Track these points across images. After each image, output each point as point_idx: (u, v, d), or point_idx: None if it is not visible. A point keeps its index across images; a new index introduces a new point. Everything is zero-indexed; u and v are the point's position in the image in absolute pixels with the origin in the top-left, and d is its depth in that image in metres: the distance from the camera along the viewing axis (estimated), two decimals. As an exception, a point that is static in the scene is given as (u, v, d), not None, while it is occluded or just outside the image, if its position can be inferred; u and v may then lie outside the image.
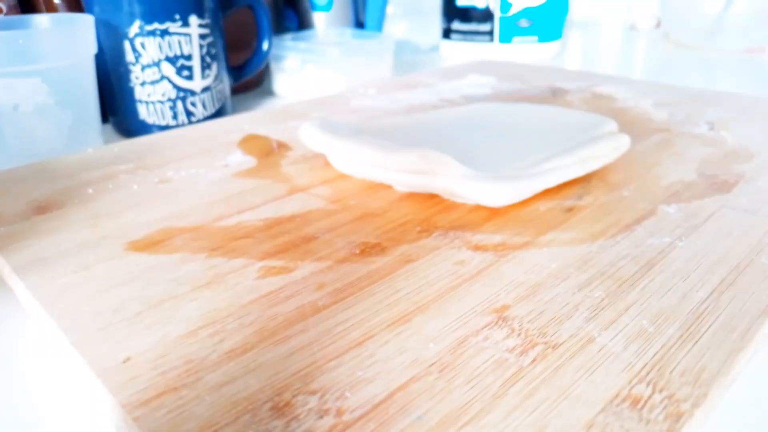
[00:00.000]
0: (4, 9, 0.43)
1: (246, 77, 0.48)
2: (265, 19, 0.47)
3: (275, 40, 0.53)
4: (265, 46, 0.47)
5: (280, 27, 0.68)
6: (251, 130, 0.37)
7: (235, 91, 0.53)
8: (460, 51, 0.70)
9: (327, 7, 0.63)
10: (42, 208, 0.26)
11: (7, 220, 0.25)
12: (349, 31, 0.59)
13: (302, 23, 0.65)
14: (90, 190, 0.28)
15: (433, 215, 0.25)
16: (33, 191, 0.28)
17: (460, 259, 0.22)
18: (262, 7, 0.46)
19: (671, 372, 0.16)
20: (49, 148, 0.35)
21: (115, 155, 0.33)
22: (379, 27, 0.60)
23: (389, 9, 0.70)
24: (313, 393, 0.16)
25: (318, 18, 0.64)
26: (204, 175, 0.30)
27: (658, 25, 0.80)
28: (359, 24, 0.66)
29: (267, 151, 0.33)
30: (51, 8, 0.44)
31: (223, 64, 0.44)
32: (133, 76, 0.40)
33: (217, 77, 0.43)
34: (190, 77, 0.41)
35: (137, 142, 0.35)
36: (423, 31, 0.76)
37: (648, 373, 0.16)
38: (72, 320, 0.19)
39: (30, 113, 0.34)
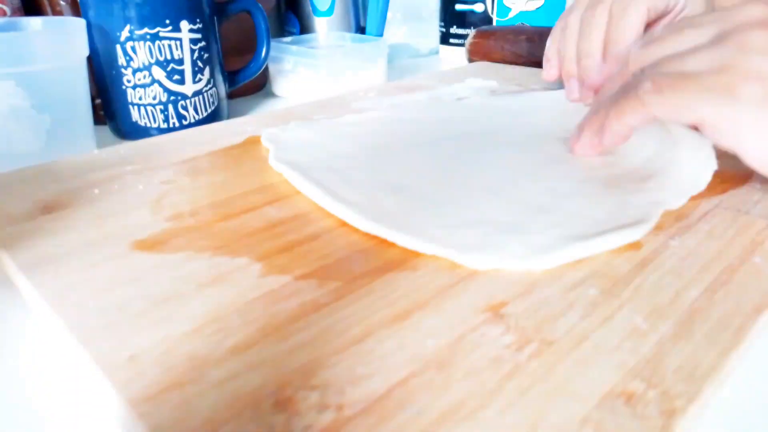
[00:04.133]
0: (8, 11, 0.44)
1: (242, 82, 0.48)
2: (264, 25, 0.47)
3: (276, 43, 0.53)
4: (263, 51, 0.48)
5: (282, 32, 0.69)
6: (254, 132, 0.37)
7: (239, 93, 0.54)
8: (459, 55, 0.70)
9: (328, 12, 0.63)
10: (48, 208, 0.27)
11: (13, 219, 0.26)
12: (349, 36, 0.60)
13: (304, 28, 0.65)
14: (96, 191, 0.29)
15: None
16: (39, 191, 0.29)
17: (459, 258, 0.22)
18: (261, 12, 0.47)
19: (665, 369, 0.16)
20: (25, 151, 0.34)
21: (121, 156, 0.33)
22: (380, 32, 0.61)
23: (389, 14, 0.70)
24: (314, 388, 0.16)
25: (320, 23, 0.64)
26: (208, 176, 0.30)
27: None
28: (361, 29, 0.66)
29: (268, 152, 0.33)
30: (56, 11, 0.45)
31: (218, 68, 0.45)
32: (125, 79, 0.40)
33: (209, 81, 0.43)
34: (181, 81, 0.41)
35: (142, 144, 0.35)
36: (422, 35, 0.76)
37: (642, 370, 0.16)
38: (78, 318, 0.19)
39: (4, 116, 0.33)
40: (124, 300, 0.20)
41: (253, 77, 0.49)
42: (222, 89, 0.46)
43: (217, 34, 0.44)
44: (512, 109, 0.40)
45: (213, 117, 0.44)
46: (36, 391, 0.19)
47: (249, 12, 0.46)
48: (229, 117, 0.46)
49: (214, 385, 0.16)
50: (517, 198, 0.26)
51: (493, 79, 0.49)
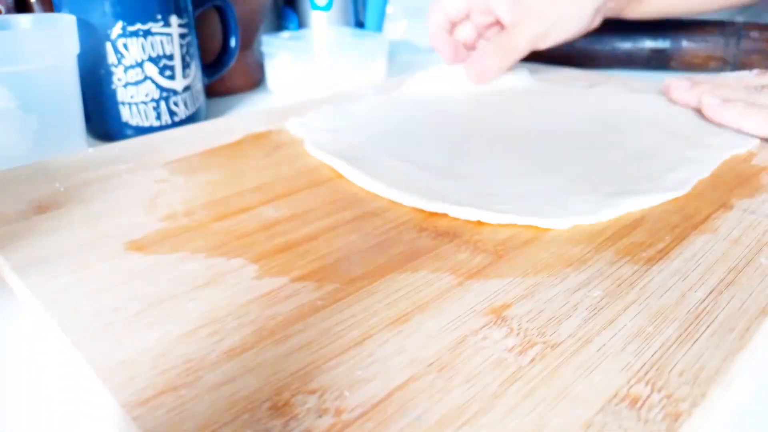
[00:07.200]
0: (3, 10, 0.43)
1: (219, 75, 0.48)
2: (232, 17, 0.47)
3: (272, 38, 0.53)
4: (232, 42, 0.48)
5: (280, 27, 0.68)
6: (251, 129, 0.37)
7: (233, 90, 0.53)
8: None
9: (327, 7, 0.63)
10: (42, 208, 0.27)
11: (7, 219, 0.25)
12: (349, 31, 0.59)
13: (303, 24, 0.65)
14: (90, 190, 0.28)
15: (432, 215, 0.25)
16: (33, 191, 0.28)
17: (460, 258, 0.22)
18: (229, 6, 0.47)
19: (670, 372, 0.16)
20: (11, 154, 0.34)
21: (116, 155, 0.33)
22: (379, 27, 0.61)
23: (389, 9, 0.69)
24: (312, 392, 0.16)
25: (318, 18, 0.64)
26: (203, 175, 0.30)
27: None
28: (360, 24, 0.66)
29: (266, 152, 0.33)
30: (48, 9, 0.44)
31: (198, 63, 0.44)
32: (115, 78, 0.39)
33: (195, 76, 0.43)
34: (172, 77, 0.41)
35: (137, 142, 0.35)
36: (422, 31, 0.76)
37: (646, 373, 0.16)
38: (72, 319, 0.19)
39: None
40: (118, 301, 0.20)
41: (227, 70, 0.49)
42: (201, 84, 0.45)
43: (195, 29, 0.44)
44: (545, 97, 0.42)
45: (199, 112, 0.44)
46: (30, 392, 0.19)
47: (216, 6, 0.46)
48: (214, 114, 0.45)
49: (210, 389, 0.16)
50: (569, 168, 0.29)
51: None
